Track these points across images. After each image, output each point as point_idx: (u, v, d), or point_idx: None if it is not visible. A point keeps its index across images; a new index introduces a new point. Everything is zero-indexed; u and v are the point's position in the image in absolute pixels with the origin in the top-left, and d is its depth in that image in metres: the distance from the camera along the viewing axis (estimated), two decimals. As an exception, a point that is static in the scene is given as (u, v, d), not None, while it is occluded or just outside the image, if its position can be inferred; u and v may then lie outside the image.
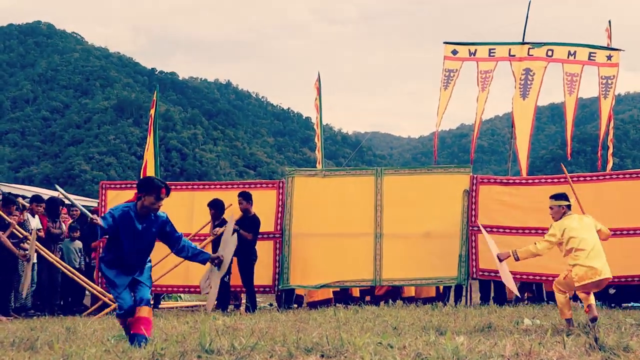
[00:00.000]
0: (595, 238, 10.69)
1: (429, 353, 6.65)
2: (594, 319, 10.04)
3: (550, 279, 15.49)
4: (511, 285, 12.29)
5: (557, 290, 10.76)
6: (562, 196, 11.23)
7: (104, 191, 17.39)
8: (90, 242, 17.85)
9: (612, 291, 15.72)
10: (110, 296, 16.05)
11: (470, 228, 16.04)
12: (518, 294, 13.85)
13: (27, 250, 15.46)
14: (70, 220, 18.46)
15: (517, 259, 11.31)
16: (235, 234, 12.37)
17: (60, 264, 16.41)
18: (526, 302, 16.47)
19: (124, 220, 8.60)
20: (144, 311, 8.57)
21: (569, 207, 11.07)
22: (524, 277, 15.91)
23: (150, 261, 9.18)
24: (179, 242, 9.09)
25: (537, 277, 15.89)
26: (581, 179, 15.97)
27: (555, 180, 16.16)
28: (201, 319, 11.72)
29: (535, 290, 17.61)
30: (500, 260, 11.55)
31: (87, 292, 18.24)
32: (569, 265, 10.56)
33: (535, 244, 11.13)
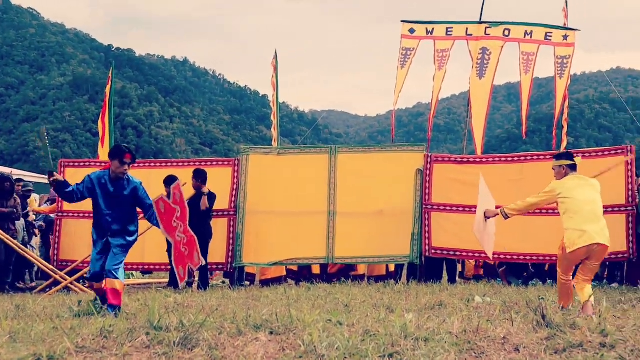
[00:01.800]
0: (596, 201, 10.13)
1: (378, 330, 6.68)
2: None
3: (515, 257, 15.62)
4: (488, 249, 11.74)
5: (560, 273, 10.07)
6: (564, 155, 10.64)
7: (62, 169, 17.30)
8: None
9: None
10: (62, 274, 16.00)
11: (424, 206, 16.07)
12: (491, 258, 13.41)
13: None
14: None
15: (506, 217, 10.86)
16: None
17: (10, 241, 16.25)
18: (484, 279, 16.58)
19: (99, 183, 9.90)
20: (109, 283, 9.71)
21: (571, 167, 10.39)
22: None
23: (135, 233, 10.39)
24: (150, 209, 10.45)
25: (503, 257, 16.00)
26: (534, 157, 16.03)
27: (510, 159, 16.25)
28: (152, 296, 11.69)
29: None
30: (487, 218, 11.13)
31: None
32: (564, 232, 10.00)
33: (526, 199, 10.71)
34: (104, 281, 9.79)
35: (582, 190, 10.11)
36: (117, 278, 9.79)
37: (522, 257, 15.47)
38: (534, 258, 15.39)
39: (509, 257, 15.65)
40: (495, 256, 15.88)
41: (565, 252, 9.84)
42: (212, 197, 15.67)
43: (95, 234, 10.22)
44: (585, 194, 10.06)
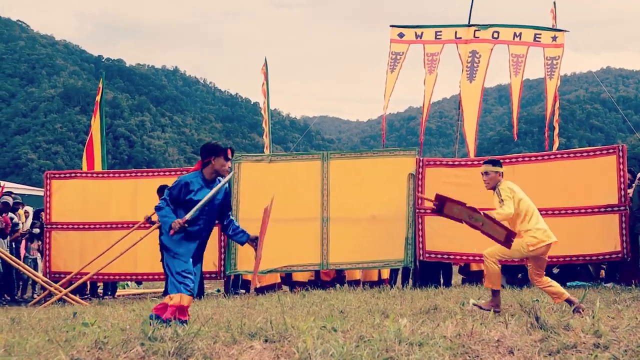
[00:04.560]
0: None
1: (372, 335, 6.67)
2: (576, 309, 9.39)
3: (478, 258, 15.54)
4: None
5: (491, 262, 10.20)
6: (497, 162, 10.83)
7: (48, 181, 17.27)
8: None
9: (555, 270, 15.85)
10: (56, 285, 15.92)
11: (417, 210, 16.05)
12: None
13: None
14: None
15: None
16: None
17: (5, 255, 16.29)
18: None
19: (194, 186, 8.95)
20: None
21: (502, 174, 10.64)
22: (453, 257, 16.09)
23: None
24: (229, 217, 9.59)
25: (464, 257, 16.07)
26: (526, 159, 16.03)
27: (501, 161, 16.23)
28: (146, 306, 11.67)
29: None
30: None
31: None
32: (521, 233, 10.09)
33: (498, 212, 10.14)
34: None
35: (523, 193, 10.45)
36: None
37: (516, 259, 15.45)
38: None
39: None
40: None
41: (528, 249, 10.00)
42: None
43: (174, 242, 9.03)
44: (527, 197, 10.42)
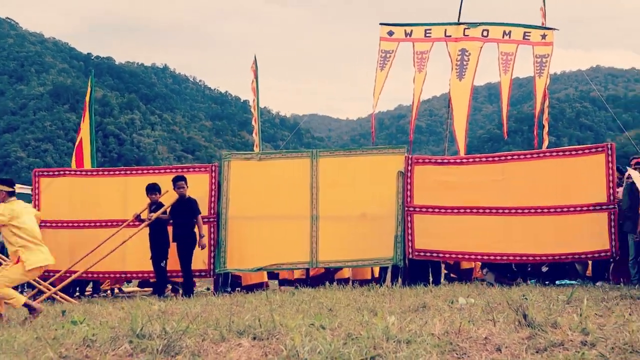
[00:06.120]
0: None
1: (360, 333, 6.68)
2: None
3: (499, 258, 15.57)
4: None
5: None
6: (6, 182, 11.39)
7: (37, 179, 17.13)
8: None
9: (544, 269, 15.87)
10: (45, 284, 15.84)
11: (406, 208, 16.04)
12: None
13: None
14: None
15: None
16: None
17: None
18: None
19: None
20: None
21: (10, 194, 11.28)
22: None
23: None
24: None
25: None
26: (516, 157, 16.02)
27: (490, 159, 16.23)
28: (135, 304, 11.66)
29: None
30: None
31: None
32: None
33: None
34: None
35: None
36: None
37: (504, 258, 15.47)
38: (517, 258, 15.40)
39: (492, 257, 15.65)
40: (479, 257, 15.94)
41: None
42: (195, 202, 15.65)
43: None
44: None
